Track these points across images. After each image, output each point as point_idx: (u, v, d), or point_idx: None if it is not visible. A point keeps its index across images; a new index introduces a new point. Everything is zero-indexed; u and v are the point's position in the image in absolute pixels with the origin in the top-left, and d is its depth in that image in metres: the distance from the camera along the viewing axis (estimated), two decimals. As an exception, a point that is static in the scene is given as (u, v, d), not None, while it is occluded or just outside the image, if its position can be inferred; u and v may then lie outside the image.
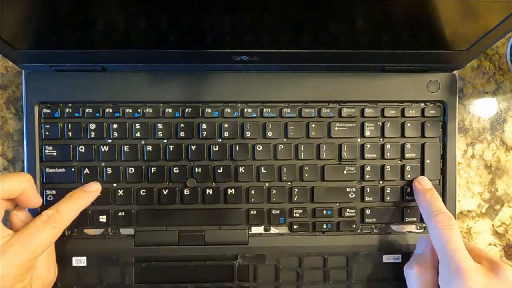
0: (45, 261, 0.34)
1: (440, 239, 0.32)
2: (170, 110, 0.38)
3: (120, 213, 0.37)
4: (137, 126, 0.37)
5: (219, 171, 0.38)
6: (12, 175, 0.31)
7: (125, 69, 0.37)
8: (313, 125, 0.38)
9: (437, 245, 0.33)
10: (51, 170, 0.37)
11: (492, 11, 0.30)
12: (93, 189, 0.35)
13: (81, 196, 0.34)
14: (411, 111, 0.38)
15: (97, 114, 0.37)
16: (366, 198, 0.38)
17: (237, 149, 0.38)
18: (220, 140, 0.38)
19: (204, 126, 0.38)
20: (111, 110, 0.37)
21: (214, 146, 0.38)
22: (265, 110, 0.38)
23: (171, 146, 0.38)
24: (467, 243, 0.34)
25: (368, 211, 0.38)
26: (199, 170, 0.38)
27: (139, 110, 0.38)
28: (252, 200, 0.38)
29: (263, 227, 0.38)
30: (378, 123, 0.38)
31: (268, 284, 0.38)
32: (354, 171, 0.38)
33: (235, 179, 0.38)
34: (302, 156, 0.38)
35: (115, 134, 0.37)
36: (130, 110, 0.38)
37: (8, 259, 0.29)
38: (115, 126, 0.37)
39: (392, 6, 0.30)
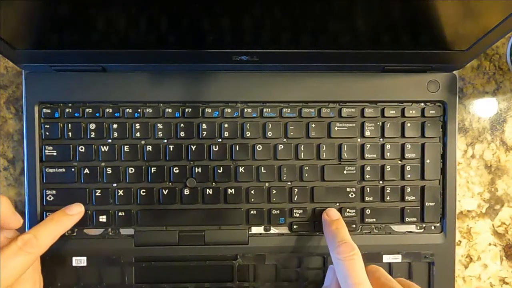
0: (31, 275, 0.32)
1: (342, 271, 0.31)
2: (170, 110, 0.38)
3: (120, 213, 0.37)
4: (137, 126, 0.37)
5: (219, 171, 0.38)
6: None
7: (125, 69, 0.37)
8: (313, 125, 0.38)
9: (340, 278, 0.31)
10: (51, 170, 0.37)
11: (492, 11, 0.30)
12: (75, 212, 0.34)
13: (62, 220, 0.33)
14: (411, 111, 0.38)
15: (97, 114, 0.37)
16: (366, 198, 0.38)
17: (237, 149, 0.38)
18: (220, 140, 0.38)
19: (204, 126, 0.38)
20: (111, 110, 0.37)
21: (214, 146, 0.38)
22: (265, 110, 0.38)
23: (171, 146, 0.38)
24: (374, 271, 0.33)
25: (368, 211, 0.38)
26: (199, 170, 0.38)
27: (139, 110, 0.38)
28: (252, 200, 0.38)
29: (263, 227, 0.38)
30: (378, 123, 0.38)
31: (268, 284, 0.38)
32: (354, 171, 0.38)
33: (235, 179, 0.38)
34: (302, 156, 0.38)
35: (115, 134, 0.37)
36: (130, 110, 0.38)
37: None
38: (115, 126, 0.37)
39: (392, 6, 0.30)
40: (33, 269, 0.32)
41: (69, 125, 0.37)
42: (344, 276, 0.30)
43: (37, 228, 0.31)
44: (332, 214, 0.37)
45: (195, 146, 0.38)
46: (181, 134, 0.38)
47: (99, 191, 0.37)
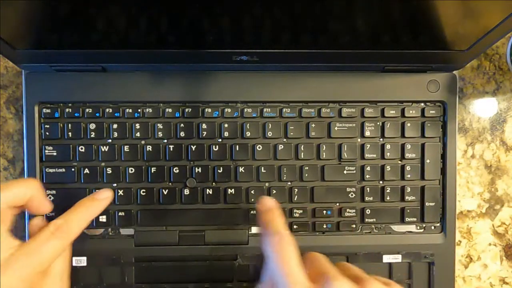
0: (60, 272, 0.32)
1: (273, 262, 0.29)
2: (170, 110, 0.38)
3: (120, 213, 0.37)
4: (137, 126, 0.37)
5: (219, 171, 0.38)
6: (17, 182, 0.30)
7: (125, 69, 0.37)
8: (313, 125, 0.38)
9: (272, 269, 0.29)
10: (51, 170, 0.37)
11: (492, 11, 0.30)
12: (104, 197, 0.34)
13: (91, 205, 0.33)
14: (411, 111, 0.38)
15: (97, 114, 0.37)
16: (366, 198, 0.38)
17: (237, 149, 0.38)
18: (220, 140, 0.38)
19: (204, 126, 0.38)
20: (111, 110, 0.37)
21: (214, 146, 0.38)
22: (265, 110, 0.38)
23: (171, 146, 0.38)
24: (312, 259, 0.31)
25: (368, 211, 0.38)
26: (199, 170, 0.38)
27: (139, 110, 0.38)
28: (252, 200, 0.38)
29: (263, 227, 0.38)
30: (378, 123, 0.38)
31: (268, 284, 0.38)
32: (354, 171, 0.38)
33: (235, 179, 0.38)
34: (302, 156, 0.38)
35: (115, 134, 0.37)
36: (130, 110, 0.38)
37: (11, 273, 0.27)
38: (115, 126, 0.37)
39: (392, 6, 0.30)
40: (62, 268, 0.32)
41: (69, 125, 0.37)
42: (275, 268, 0.29)
43: (68, 214, 0.31)
44: (265, 202, 0.33)
45: (195, 146, 0.38)
46: (181, 134, 0.38)
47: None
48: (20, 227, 0.37)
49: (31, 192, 0.30)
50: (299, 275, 0.28)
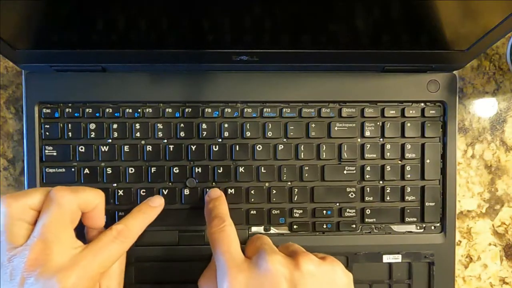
0: (118, 274, 0.33)
1: (213, 244, 0.31)
2: (170, 110, 0.38)
3: (120, 213, 0.37)
4: (137, 126, 0.37)
5: (219, 171, 0.38)
6: (89, 188, 0.31)
7: (125, 69, 0.37)
8: (313, 125, 0.38)
9: (214, 252, 0.31)
10: (51, 170, 0.37)
11: (492, 11, 0.30)
12: (158, 204, 0.35)
13: (148, 211, 0.34)
14: (411, 111, 0.38)
15: (97, 114, 0.37)
16: (366, 198, 0.38)
17: (237, 149, 0.38)
18: (220, 140, 0.38)
19: (204, 126, 0.38)
20: (111, 110, 0.37)
21: (214, 146, 0.38)
22: (265, 110, 0.38)
23: (171, 146, 0.38)
24: (254, 239, 0.32)
25: (368, 211, 0.38)
26: (199, 170, 0.38)
27: (139, 110, 0.38)
28: (252, 200, 0.38)
29: (263, 227, 0.38)
30: (378, 123, 0.38)
31: (268, 284, 0.38)
32: (354, 171, 0.38)
33: (235, 179, 0.38)
34: (302, 156, 0.38)
35: (115, 134, 0.37)
36: (130, 110, 0.38)
37: (82, 270, 0.28)
38: (115, 126, 0.37)
39: (392, 6, 0.30)
40: (120, 271, 0.33)
41: (69, 125, 0.37)
42: (215, 248, 0.30)
43: (127, 219, 0.32)
44: (212, 194, 0.36)
45: (195, 146, 0.38)
46: (181, 134, 0.38)
47: (99, 191, 0.37)
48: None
49: (98, 201, 0.31)
50: (235, 251, 0.30)
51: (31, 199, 0.29)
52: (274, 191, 0.38)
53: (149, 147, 0.37)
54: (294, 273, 0.28)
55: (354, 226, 0.38)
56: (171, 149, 0.38)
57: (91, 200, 0.31)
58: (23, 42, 0.33)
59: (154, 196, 0.36)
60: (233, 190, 0.38)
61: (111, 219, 0.37)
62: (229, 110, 0.38)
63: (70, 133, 0.37)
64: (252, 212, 0.38)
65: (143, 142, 0.38)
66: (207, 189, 0.38)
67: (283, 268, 0.28)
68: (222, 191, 0.38)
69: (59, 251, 0.28)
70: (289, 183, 0.38)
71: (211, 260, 0.33)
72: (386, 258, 0.38)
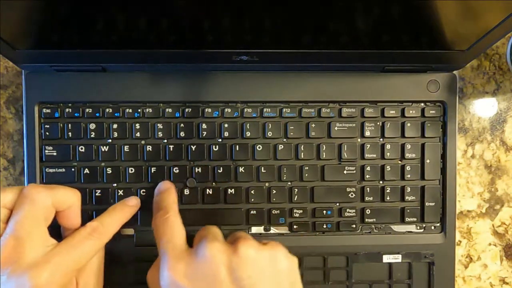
0: (96, 270, 0.33)
1: (157, 234, 0.31)
2: (170, 110, 0.38)
3: (120, 213, 0.37)
4: (137, 126, 0.37)
5: (219, 171, 0.38)
6: (65, 187, 0.31)
7: (125, 69, 0.37)
8: (313, 125, 0.38)
9: (157, 243, 0.31)
10: (51, 170, 0.37)
11: (492, 11, 0.30)
12: (134, 204, 0.35)
13: (124, 210, 0.34)
14: (411, 111, 0.38)
15: (97, 114, 0.37)
16: (366, 198, 0.38)
17: (237, 149, 0.38)
18: (220, 140, 0.38)
19: (204, 126, 0.38)
20: (111, 110, 0.37)
21: (214, 146, 0.38)
22: (265, 110, 0.38)
23: (171, 146, 0.38)
24: (202, 229, 0.32)
25: (368, 211, 0.38)
26: (199, 170, 0.38)
27: (139, 110, 0.38)
28: (252, 200, 0.38)
29: (263, 227, 0.38)
30: (378, 123, 0.38)
31: (268, 284, 0.38)
32: (354, 171, 0.38)
33: (235, 179, 0.38)
34: (302, 156, 0.38)
35: (115, 134, 0.37)
36: (130, 110, 0.38)
37: (55, 267, 0.28)
38: (115, 126, 0.37)
39: (392, 6, 0.30)
40: (98, 267, 0.33)
41: (69, 125, 0.37)
42: (158, 237, 0.31)
43: (103, 216, 0.33)
44: (162, 187, 0.35)
45: (195, 146, 0.38)
46: (181, 134, 0.38)
47: (99, 191, 0.37)
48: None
49: (74, 201, 0.31)
50: (177, 241, 0.30)
51: (4, 197, 0.29)
52: (274, 191, 0.38)
53: (149, 147, 0.37)
54: (232, 258, 0.28)
55: (354, 226, 0.38)
56: (171, 149, 0.38)
57: (66, 199, 0.31)
58: (23, 42, 0.33)
59: (130, 197, 0.36)
60: (233, 190, 0.38)
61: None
62: (229, 110, 0.38)
63: (70, 133, 0.37)
64: (252, 212, 0.38)
65: (143, 142, 0.38)
66: (208, 189, 0.38)
67: (221, 254, 0.28)
68: (221, 191, 0.38)
69: (32, 248, 0.28)
70: (289, 183, 0.38)
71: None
72: (386, 258, 0.38)
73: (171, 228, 0.31)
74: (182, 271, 0.28)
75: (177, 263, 0.29)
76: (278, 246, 0.30)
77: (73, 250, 0.30)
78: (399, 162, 0.39)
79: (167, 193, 0.34)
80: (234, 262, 0.28)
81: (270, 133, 0.38)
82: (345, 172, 0.38)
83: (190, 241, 0.37)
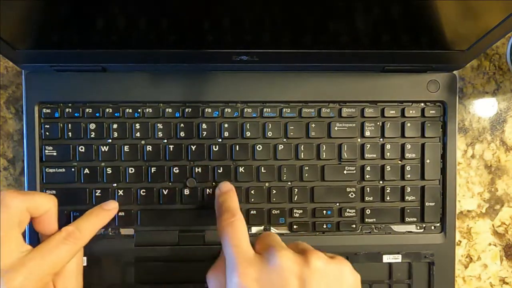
0: (74, 274, 0.33)
1: (223, 237, 0.31)
2: (170, 110, 0.38)
3: (120, 213, 0.37)
4: (137, 126, 0.37)
5: (219, 171, 0.38)
6: (40, 193, 0.31)
7: (125, 69, 0.37)
8: (313, 125, 0.38)
9: (223, 245, 0.31)
10: (51, 170, 0.37)
11: (492, 11, 0.30)
12: (111, 208, 0.35)
13: (100, 214, 0.34)
14: (411, 111, 0.38)
15: (97, 114, 0.37)
16: (366, 198, 0.38)
17: (237, 149, 0.38)
18: (220, 140, 0.38)
19: (204, 126, 0.38)
20: (111, 110, 0.37)
21: (214, 146, 0.38)
22: (265, 110, 0.38)
23: (171, 146, 0.38)
24: (263, 236, 0.32)
25: (368, 211, 0.38)
26: (199, 170, 0.38)
27: (139, 110, 0.38)
28: (252, 200, 0.38)
29: (263, 227, 0.38)
30: (378, 123, 0.38)
31: (268, 284, 0.38)
32: (354, 171, 0.38)
33: (235, 179, 0.38)
34: (302, 156, 0.38)
35: (115, 134, 0.37)
36: (130, 110, 0.38)
37: (29, 272, 0.28)
38: (115, 126, 0.37)
39: (392, 6, 0.30)
40: (77, 270, 0.33)
41: (69, 125, 0.37)
42: (225, 241, 0.30)
43: (78, 221, 0.33)
44: (223, 187, 0.36)
45: (195, 146, 0.38)
46: (181, 134, 0.38)
47: (99, 191, 0.37)
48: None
49: (50, 207, 0.32)
50: (245, 246, 0.30)
51: None
52: (274, 191, 0.38)
53: (149, 147, 0.37)
54: (303, 269, 0.28)
55: (354, 226, 0.38)
56: (171, 149, 0.38)
57: (42, 205, 0.31)
58: (23, 42, 0.33)
59: (108, 201, 0.36)
60: (233, 190, 0.38)
61: (112, 219, 0.37)
62: (229, 110, 0.38)
63: (70, 133, 0.37)
64: (252, 212, 0.38)
65: (143, 142, 0.38)
66: (207, 189, 0.38)
67: (293, 264, 0.28)
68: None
69: (6, 253, 0.28)
70: (289, 183, 0.38)
71: (220, 254, 0.33)
72: (386, 258, 0.38)
73: (239, 231, 0.31)
74: (253, 277, 0.28)
75: (247, 268, 0.28)
76: (345, 261, 0.31)
77: (48, 255, 0.30)
78: (399, 162, 0.39)
79: (230, 195, 0.34)
80: (305, 273, 0.28)
81: (270, 133, 0.38)
82: (345, 172, 0.38)
83: (190, 241, 0.37)
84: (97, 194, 0.37)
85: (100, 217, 0.34)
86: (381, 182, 0.39)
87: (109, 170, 0.37)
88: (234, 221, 0.31)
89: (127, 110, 0.38)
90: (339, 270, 0.30)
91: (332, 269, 0.29)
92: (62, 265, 0.31)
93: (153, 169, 0.37)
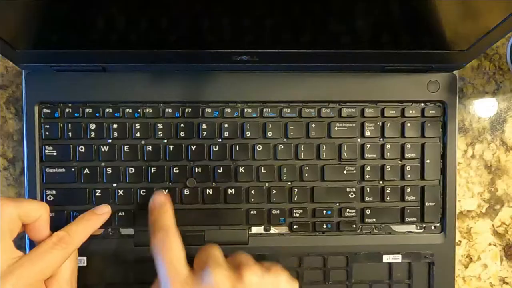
0: (68, 279, 0.33)
1: (156, 258, 0.31)
2: (170, 110, 0.38)
3: (120, 213, 0.37)
4: (137, 126, 0.37)
5: (219, 171, 0.38)
6: (32, 200, 0.32)
7: (125, 69, 0.37)
8: (313, 125, 0.38)
9: (157, 266, 0.31)
10: (51, 170, 0.37)
11: (492, 11, 0.30)
12: (104, 212, 0.35)
13: (92, 219, 0.34)
14: (411, 111, 0.38)
15: (97, 114, 0.37)
16: (366, 198, 0.38)
17: (237, 149, 0.38)
18: (220, 140, 0.38)
19: (204, 126, 0.38)
20: (111, 110, 0.37)
21: (214, 146, 0.38)
22: (265, 110, 0.38)
23: (171, 146, 0.38)
24: (203, 249, 0.32)
25: (368, 211, 0.38)
26: (199, 170, 0.38)
27: (139, 110, 0.38)
28: (252, 200, 0.38)
29: (263, 227, 0.38)
30: (378, 123, 0.38)
31: (268, 284, 0.38)
32: (354, 171, 0.38)
33: (235, 179, 0.38)
34: (302, 156, 0.38)
35: (115, 134, 0.37)
36: (130, 110, 0.38)
37: (17, 279, 0.28)
38: (115, 126, 0.37)
39: (392, 6, 0.30)
40: (71, 275, 0.33)
41: (69, 125, 0.37)
42: (157, 260, 0.30)
43: (70, 226, 0.33)
44: (156, 200, 0.34)
45: (195, 146, 0.38)
46: (181, 134, 0.38)
47: (99, 191, 0.37)
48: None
49: (41, 213, 0.31)
50: (179, 266, 0.30)
51: None
52: (274, 191, 0.38)
53: (149, 147, 0.37)
54: (237, 285, 0.29)
55: (354, 226, 0.38)
56: (171, 149, 0.38)
57: (33, 211, 0.31)
58: (23, 42, 0.33)
59: (100, 205, 0.36)
60: (233, 190, 0.38)
61: (112, 219, 0.37)
62: (229, 110, 0.38)
63: (70, 133, 0.37)
64: (252, 212, 0.38)
65: (143, 142, 0.38)
66: (208, 189, 0.38)
67: (227, 281, 0.29)
68: (221, 191, 0.38)
69: None
70: (289, 183, 0.38)
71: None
72: (386, 258, 0.38)
73: (172, 250, 0.31)
74: None
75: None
76: (282, 271, 0.31)
77: (37, 261, 0.30)
78: (399, 162, 0.39)
79: (164, 210, 0.34)
80: None
81: (270, 133, 0.38)
82: (345, 172, 0.38)
83: (190, 241, 0.37)
84: (97, 194, 0.37)
85: (91, 221, 0.34)
86: (381, 182, 0.39)
87: (109, 170, 0.37)
88: (166, 239, 0.31)
89: (127, 110, 0.37)
90: (275, 282, 0.30)
91: (267, 281, 0.30)
92: (53, 270, 0.31)
93: (153, 169, 0.37)
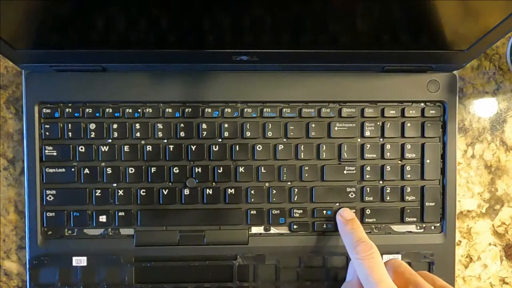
0: None
1: (362, 269, 0.31)
2: (170, 110, 0.38)
3: (120, 213, 0.37)
4: (137, 126, 0.37)
5: (219, 171, 0.38)
6: None
7: (125, 69, 0.37)
8: (313, 125, 0.38)
9: (361, 276, 0.32)
10: (51, 170, 0.37)
11: (492, 11, 0.30)
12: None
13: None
14: (411, 111, 0.38)
15: (97, 114, 0.37)
16: (366, 198, 0.38)
17: (237, 149, 0.38)
18: (220, 140, 0.38)
19: (204, 126, 0.38)
20: (111, 110, 0.37)
21: (214, 146, 0.38)
22: (265, 110, 0.38)
23: (171, 146, 0.38)
24: (397, 265, 0.33)
25: (368, 211, 0.38)
26: (199, 170, 0.38)
27: (139, 110, 0.38)
28: (252, 200, 0.38)
29: (263, 227, 0.38)
30: (378, 123, 0.38)
31: (268, 284, 0.38)
32: (354, 171, 0.38)
33: (235, 179, 0.38)
34: (302, 156, 0.38)
35: (115, 134, 0.37)
36: (130, 110, 0.38)
37: None
38: (115, 126, 0.37)
39: (392, 6, 0.30)
40: None
41: (69, 125, 0.37)
42: (365, 274, 0.31)
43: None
44: (346, 214, 0.37)
45: (195, 146, 0.38)
46: (181, 134, 0.38)
47: (99, 191, 0.37)
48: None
49: None
50: (389, 282, 0.30)
51: None
52: (274, 191, 0.38)
53: (149, 147, 0.37)
54: None
55: (354, 226, 0.38)
56: (171, 149, 0.38)
57: None
58: (23, 42, 0.33)
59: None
60: (233, 190, 0.38)
61: (112, 219, 0.37)
62: (229, 110, 0.38)
63: (70, 133, 0.37)
64: (252, 212, 0.38)
65: (143, 142, 0.38)
66: (208, 189, 0.38)
67: None
68: (221, 191, 0.38)
69: None
70: (289, 183, 0.38)
71: (350, 274, 0.34)
72: (386, 258, 0.38)
73: (379, 265, 0.31)
74: None
75: None
76: None
77: None
78: (399, 162, 0.39)
79: (357, 224, 0.36)
80: None
81: (270, 133, 0.38)
82: (345, 172, 0.38)
83: (190, 241, 0.37)
84: (97, 194, 0.37)
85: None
86: (381, 182, 0.39)
87: (109, 170, 0.37)
88: (372, 254, 0.32)
89: (127, 110, 0.38)
90: None
91: None
92: None
93: (153, 169, 0.37)
